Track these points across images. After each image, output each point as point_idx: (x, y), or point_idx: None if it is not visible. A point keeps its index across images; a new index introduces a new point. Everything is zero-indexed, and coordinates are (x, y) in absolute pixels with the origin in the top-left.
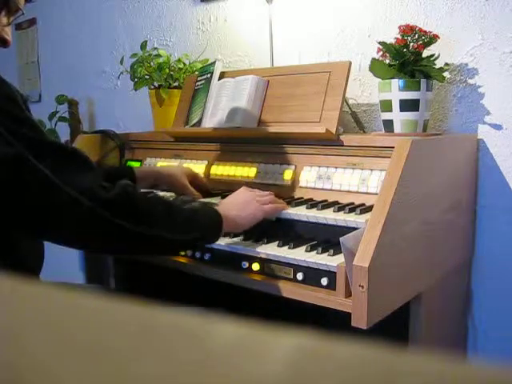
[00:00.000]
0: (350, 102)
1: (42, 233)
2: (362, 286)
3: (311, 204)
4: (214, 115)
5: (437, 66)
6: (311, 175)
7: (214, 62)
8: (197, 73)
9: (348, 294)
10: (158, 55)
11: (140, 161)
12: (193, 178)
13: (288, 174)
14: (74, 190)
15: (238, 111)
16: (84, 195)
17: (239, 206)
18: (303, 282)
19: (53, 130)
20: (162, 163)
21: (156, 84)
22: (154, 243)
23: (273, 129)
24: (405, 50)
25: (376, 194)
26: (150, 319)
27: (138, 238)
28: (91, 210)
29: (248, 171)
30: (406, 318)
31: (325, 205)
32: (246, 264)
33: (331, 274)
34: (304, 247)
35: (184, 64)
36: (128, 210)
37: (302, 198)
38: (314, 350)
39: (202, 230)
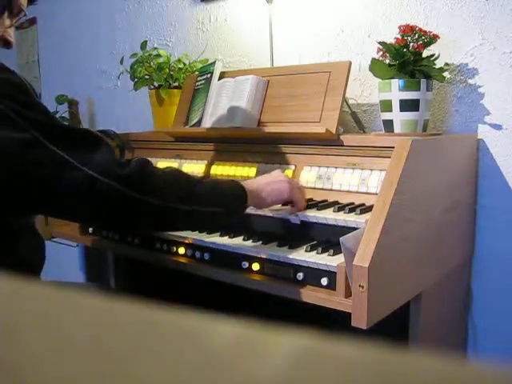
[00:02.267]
0: (350, 101)
1: (61, 213)
2: (362, 286)
3: (311, 204)
4: (213, 115)
5: (437, 66)
6: (311, 175)
7: (214, 62)
8: (197, 73)
9: (348, 294)
10: (158, 55)
11: None
12: None
13: (288, 174)
14: (90, 168)
15: (238, 111)
16: (100, 172)
17: (266, 181)
18: (303, 281)
19: None
20: (161, 163)
21: (156, 84)
22: (174, 216)
23: (273, 129)
24: (405, 49)
25: (376, 193)
26: (149, 319)
27: (158, 212)
28: (108, 186)
29: (248, 171)
30: (406, 318)
31: (325, 205)
32: (245, 264)
33: (331, 274)
34: (304, 247)
35: (184, 64)
36: (145, 184)
37: None
38: (314, 350)
39: (225, 202)
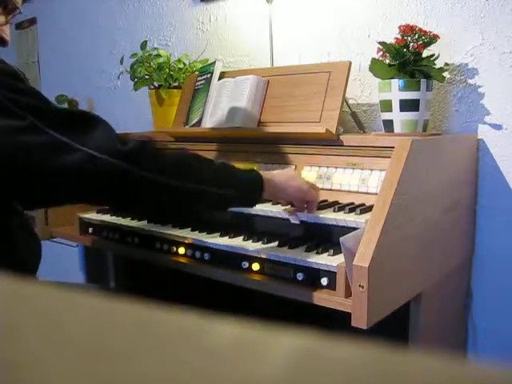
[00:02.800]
0: (350, 101)
1: (65, 197)
2: (362, 286)
3: None
4: (213, 115)
5: (437, 66)
6: (311, 175)
7: (214, 62)
8: (197, 73)
9: (348, 294)
10: (158, 55)
11: None
12: None
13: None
14: (89, 148)
15: (238, 111)
16: (100, 150)
17: (286, 176)
18: (303, 281)
19: None
20: None
21: (156, 84)
22: (178, 193)
23: (273, 129)
24: (405, 50)
25: (376, 193)
26: (149, 319)
27: (162, 189)
28: (109, 164)
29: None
30: (406, 318)
31: (325, 205)
32: (246, 264)
33: (331, 274)
34: (304, 247)
35: (184, 64)
36: (147, 160)
37: None
38: (314, 350)
39: (238, 185)
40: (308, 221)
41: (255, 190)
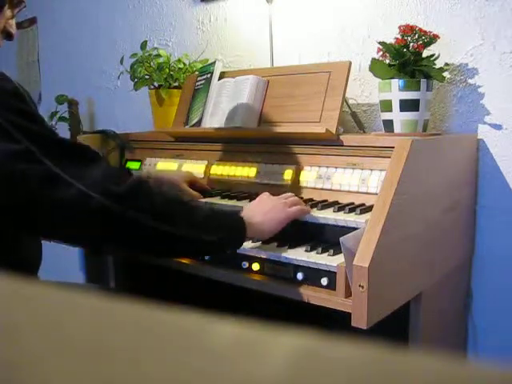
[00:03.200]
0: (350, 101)
1: (53, 232)
2: (362, 286)
3: (311, 204)
4: (213, 115)
5: (437, 66)
6: (311, 175)
7: (214, 62)
8: (197, 73)
9: (348, 294)
10: (158, 55)
11: (140, 161)
12: (192, 182)
13: (288, 174)
14: (84, 185)
15: (238, 111)
16: (94, 189)
17: (263, 211)
18: (303, 281)
19: None
20: (162, 163)
21: (156, 84)
22: (169, 240)
23: (273, 129)
24: (405, 49)
25: (376, 193)
26: (149, 319)
27: (153, 235)
28: (102, 204)
29: (248, 171)
30: (406, 318)
31: (325, 205)
32: (246, 264)
33: (331, 274)
34: (304, 247)
35: (184, 64)
36: (141, 204)
37: (302, 198)
38: (314, 350)
39: (223, 231)
40: (308, 221)
41: (239, 233)
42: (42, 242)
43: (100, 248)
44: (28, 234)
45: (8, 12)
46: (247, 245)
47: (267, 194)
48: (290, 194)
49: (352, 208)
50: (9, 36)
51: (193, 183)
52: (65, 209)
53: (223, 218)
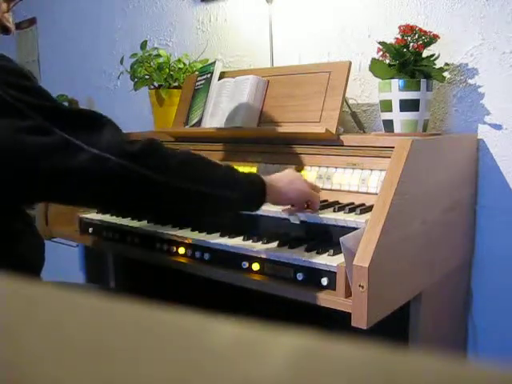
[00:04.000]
0: (350, 101)
1: (72, 198)
2: (362, 286)
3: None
4: (213, 115)
5: (437, 66)
6: (311, 175)
7: (214, 62)
8: (197, 73)
9: (348, 294)
10: (158, 55)
11: None
12: None
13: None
14: (97, 148)
15: (238, 111)
16: (108, 151)
17: (288, 178)
18: (303, 281)
19: None
20: None
21: (156, 84)
22: (186, 197)
23: (273, 129)
24: (405, 50)
25: (376, 193)
26: (149, 319)
27: (169, 191)
28: (118, 165)
29: (248, 171)
30: (406, 317)
31: (325, 205)
32: (246, 264)
33: (331, 274)
34: (304, 247)
35: (184, 64)
36: (156, 162)
37: None
38: (314, 350)
39: (242, 188)
40: (308, 221)
41: (259, 194)
42: (44, 242)
43: (119, 207)
44: (43, 201)
45: (4, 5)
46: (247, 245)
47: (293, 169)
48: None
49: (352, 208)
50: (5, 30)
51: None
52: (82, 174)
53: (243, 177)
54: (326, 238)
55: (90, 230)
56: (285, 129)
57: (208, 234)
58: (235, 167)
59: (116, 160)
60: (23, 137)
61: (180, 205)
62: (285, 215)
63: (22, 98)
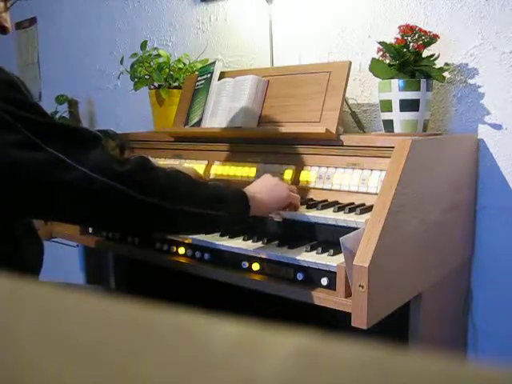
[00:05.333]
0: (350, 101)
1: (60, 215)
2: (362, 286)
3: (311, 204)
4: (214, 115)
5: (437, 66)
6: (311, 175)
7: (214, 62)
8: (197, 73)
9: (348, 294)
10: (158, 55)
11: None
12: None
13: (288, 174)
14: (87, 167)
15: (238, 111)
16: (97, 171)
17: (266, 188)
18: (303, 282)
19: None
20: (162, 163)
21: (156, 84)
22: (174, 217)
23: (273, 129)
24: (405, 49)
25: (376, 194)
26: (149, 319)
27: (158, 212)
28: (106, 185)
29: (248, 171)
30: (406, 317)
31: (325, 205)
32: (245, 264)
33: (331, 274)
34: (304, 247)
35: (184, 64)
36: (144, 183)
37: (301, 198)
38: (314, 350)
39: (228, 206)
40: (308, 221)
41: (244, 211)
42: (43, 242)
43: (107, 227)
44: (33, 218)
45: (1, 4)
46: (247, 245)
47: (269, 174)
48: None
49: (352, 208)
50: (3, 30)
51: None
52: (70, 193)
53: (228, 194)
54: (325, 237)
55: (90, 230)
56: (285, 129)
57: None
58: (218, 179)
59: (104, 180)
60: (10, 150)
61: (166, 225)
62: (284, 215)
63: (12, 111)
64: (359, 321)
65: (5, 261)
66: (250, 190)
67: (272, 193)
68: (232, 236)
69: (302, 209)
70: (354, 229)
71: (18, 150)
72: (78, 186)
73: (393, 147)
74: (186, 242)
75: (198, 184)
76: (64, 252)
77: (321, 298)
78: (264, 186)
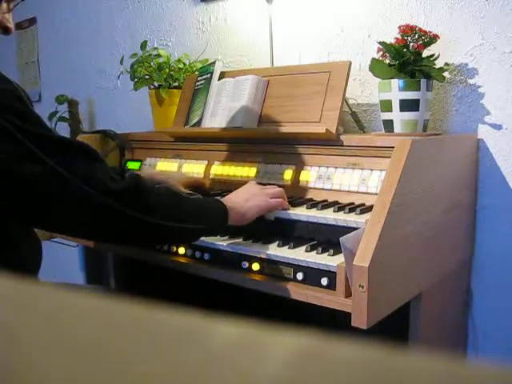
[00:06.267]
0: (350, 101)
1: (59, 227)
2: (362, 286)
3: (311, 204)
4: (213, 115)
5: (437, 66)
6: (311, 175)
7: (214, 62)
8: (197, 73)
9: (348, 293)
10: (158, 55)
11: (140, 161)
12: (191, 184)
13: (288, 174)
14: (84, 183)
15: (238, 111)
16: (92, 186)
17: (244, 198)
18: (303, 282)
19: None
20: (161, 163)
21: (156, 84)
22: (163, 233)
23: (273, 129)
24: (405, 49)
25: (376, 193)
26: (149, 319)
27: (148, 228)
28: (100, 201)
29: (248, 171)
30: (406, 318)
31: (325, 205)
32: (246, 264)
33: (331, 274)
34: (304, 247)
35: (184, 64)
36: (137, 201)
37: (301, 197)
38: (314, 350)
39: (208, 219)
40: (308, 221)
41: (222, 221)
42: (42, 242)
43: (96, 240)
44: (30, 227)
45: (4, 5)
46: (247, 245)
47: (253, 182)
48: (275, 186)
49: (352, 208)
50: (5, 31)
51: (189, 185)
52: (67, 207)
53: (209, 208)
54: (325, 237)
55: None
56: (285, 129)
57: None
58: (201, 198)
59: (99, 196)
60: (13, 162)
61: (149, 238)
62: (284, 215)
63: (18, 124)
64: (359, 321)
65: (3, 261)
66: (230, 199)
67: (249, 202)
68: (232, 236)
69: (302, 209)
70: (354, 229)
71: (20, 162)
72: (74, 201)
73: (393, 147)
74: None
75: (181, 200)
76: (64, 252)
77: (321, 298)
78: (242, 196)
